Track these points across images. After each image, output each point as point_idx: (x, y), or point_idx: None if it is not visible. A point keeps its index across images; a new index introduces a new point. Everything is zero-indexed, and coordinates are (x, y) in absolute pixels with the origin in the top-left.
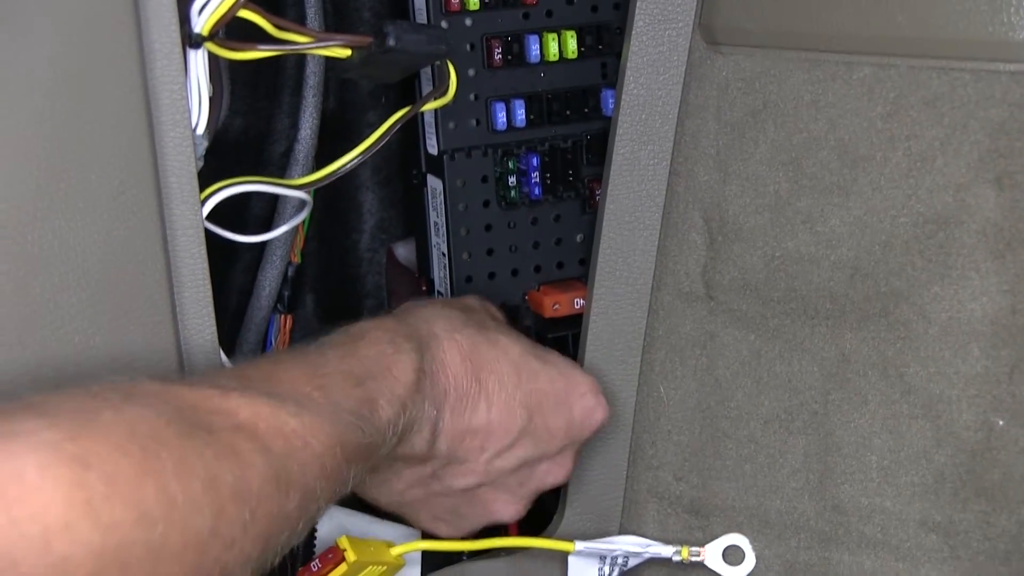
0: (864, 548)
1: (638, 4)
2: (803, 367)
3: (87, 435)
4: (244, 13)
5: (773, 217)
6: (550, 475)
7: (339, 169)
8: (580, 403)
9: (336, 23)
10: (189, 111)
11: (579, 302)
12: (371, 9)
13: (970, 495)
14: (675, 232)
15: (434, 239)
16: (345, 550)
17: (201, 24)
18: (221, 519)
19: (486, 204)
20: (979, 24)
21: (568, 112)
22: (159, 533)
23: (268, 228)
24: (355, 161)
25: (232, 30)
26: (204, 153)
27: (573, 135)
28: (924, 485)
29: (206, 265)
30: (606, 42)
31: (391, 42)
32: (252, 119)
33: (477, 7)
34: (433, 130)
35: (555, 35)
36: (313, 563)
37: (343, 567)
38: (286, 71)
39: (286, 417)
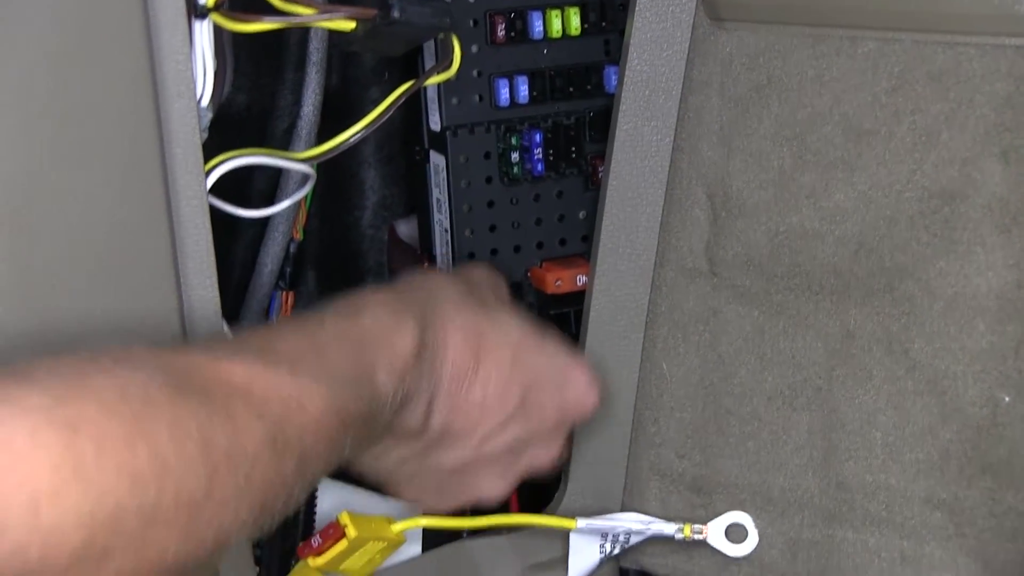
0: (868, 526)
1: None
2: (807, 343)
3: (77, 399)
4: None
5: (777, 192)
6: (538, 457)
7: (343, 143)
8: (573, 387)
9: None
10: (194, 82)
11: (581, 279)
12: None
13: (976, 472)
14: (678, 208)
15: (436, 216)
16: (346, 526)
17: None
18: (215, 481)
19: (489, 180)
20: None
21: (571, 89)
22: (151, 496)
23: (271, 204)
24: (359, 135)
25: (237, 2)
26: (208, 126)
27: (576, 112)
28: (929, 462)
29: (210, 236)
30: (609, 19)
31: (396, 14)
32: (255, 95)
33: None
34: (436, 106)
35: (558, 12)
36: (314, 538)
37: (344, 543)
38: (289, 47)
39: (282, 381)
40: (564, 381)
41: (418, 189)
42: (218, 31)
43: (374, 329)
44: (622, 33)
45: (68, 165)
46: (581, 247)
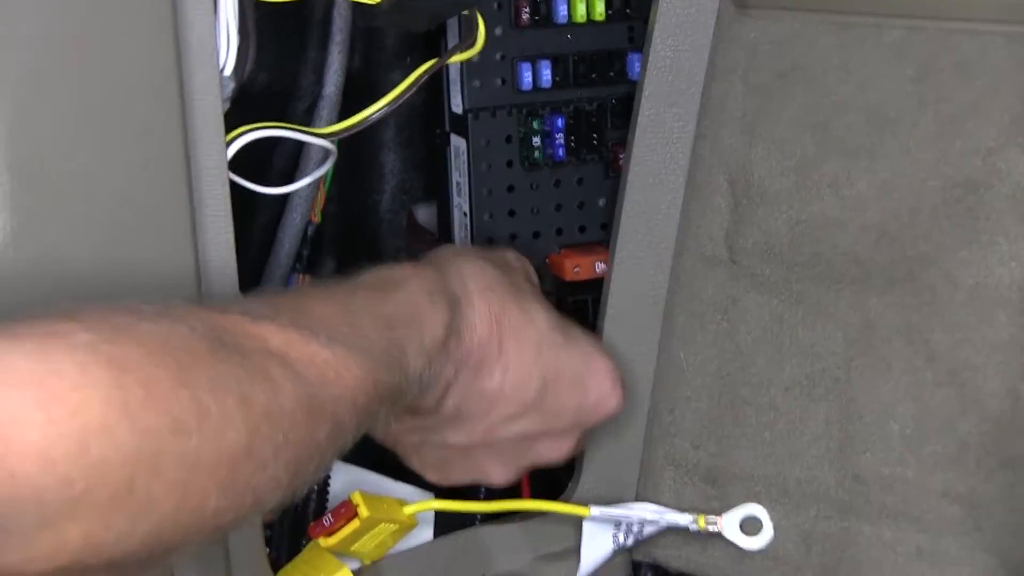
0: (884, 519)
1: None
2: (826, 333)
3: (124, 341)
4: None
5: (799, 180)
6: (549, 452)
7: (365, 120)
8: (596, 388)
9: None
10: (217, 50)
11: (600, 266)
12: None
13: (994, 465)
14: (699, 196)
15: (456, 199)
16: (358, 505)
17: None
18: (255, 438)
19: (509, 164)
20: None
21: (594, 75)
22: (193, 444)
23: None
24: (381, 112)
25: None
26: (231, 96)
27: (598, 98)
28: (947, 455)
29: (229, 207)
30: (634, 5)
31: None
32: (277, 74)
33: None
34: (458, 88)
35: None
36: (326, 517)
37: (355, 523)
38: (312, 26)
39: (318, 347)
40: (587, 380)
41: (438, 172)
42: (244, 5)
43: (407, 308)
44: (646, 20)
45: (90, 130)
46: (600, 235)
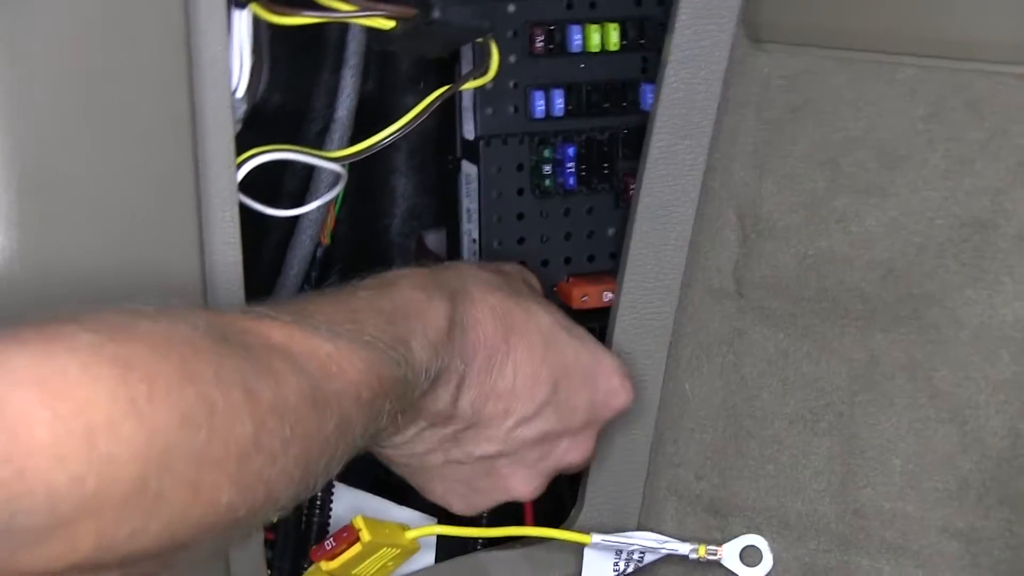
0: (884, 553)
1: None
2: (831, 367)
3: (126, 340)
4: None
5: (808, 216)
6: (569, 453)
7: (376, 144)
8: (605, 382)
9: None
10: (230, 72)
11: (608, 295)
12: None
13: (994, 503)
14: (708, 228)
15: (466, 225)
16: (360, 530)
17: None
18: (262, 430)
19: (520, 192)
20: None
21: (607, 104)
22: (202, 438)
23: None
24: (393, 137)
25: None
26: (243, 117)
27: (610, 128)
28: (948, 491)
29: (238, 228)
30: (648, 36)
31: (436, 14)
32: (290, 96)
33: None
34: (471, 115)
35: (598, 26)
36: (327, 541)
37: (357, 547)
38: (326, 49)
39: (320, 341)
40: (596, 375)
41: (448, 198)
42: (258, 26)
43: (407, 302)
44: (660, 51)
45: (100, 149)
46: (609, 264)
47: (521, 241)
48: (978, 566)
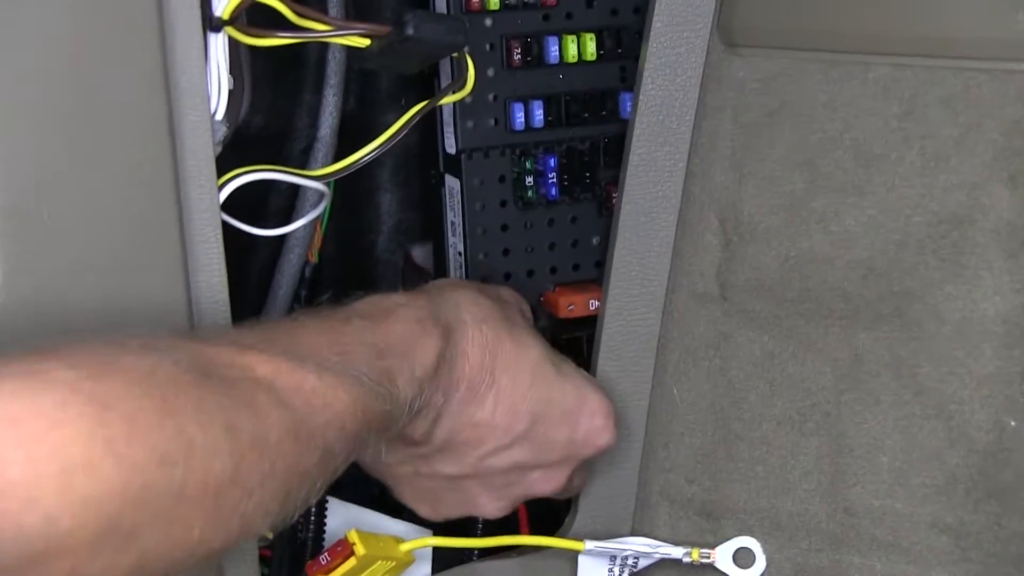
0: (875, 550)
1: (657, 6)
2: (816, 368)
3: (106, 375)
4: None
5: (788, 217)
6: (540, 484)
7: (358, 161)
8: (588, 421)
9: (357, 17)
10: (208, 95)
11: (594, 303)
12: (393, 7)
13: (981, 496)
14: (690, 233)
15: (451, 239)
16: (354, 544)
17: (222, 8)
18: (240, 467)
19: (503, 204)
20: (995, 23)
21: (586, 114)
22: (179, 476)
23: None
24: (374, 153)
25: (253, 17)
26: (223, 140)
27: (591, 137)
28: (936, 487)
29: (221, 250)
30: (625, 45)
31: (410, 31)
32: (272, 116)
33: (497, 7)
34: (451, 129)
35: (574, 37)
36: (322, 556)
37: (352, 561)
38: (307, 69)
39: (305, 374)
40: (579, 414)
41: (433, 213)
42: (237, 49)
43: (400, 337)
44: (637, 59)
45: (81, 174)
46: (594, 273)
47: (506, 252)
48: (968, 560)
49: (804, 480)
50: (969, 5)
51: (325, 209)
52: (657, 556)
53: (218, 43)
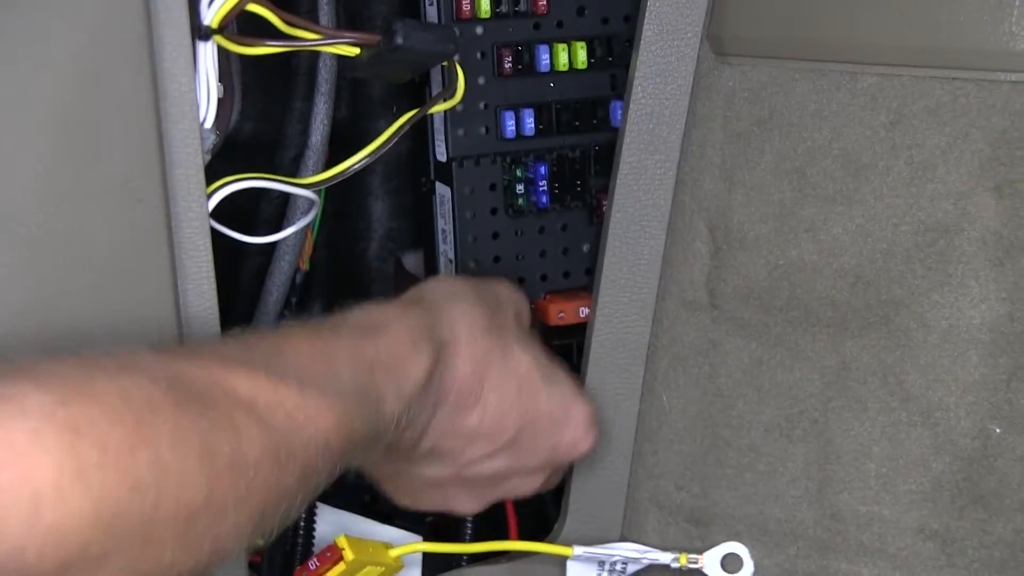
0: (862, 556)
1: (647, 15)
2: (804, 375)
3: (80, 401)
4: (254, 7)
5: (777, 226)
6: (519, 488)
7: (348, 169)
8: (571, 431)
9: (347, 26)
10: (197, 104)
11: (584, 311)
12: (383, 16)
13: (967, 503)
14: (680, 241)
15: (441, 246)
16: (343, 549)
17: (211, 16)
18: (215, 489)
19: (494, 212)
20: (981, 34)
21: (577, 122)
22: (150, 502)
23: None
24: (364, 161)
25: (243, 26)
26: (212, 148)
27: (581, 145)
28: (922, 493)
29: (211, 258)
30: (616, 53)
31: (399, 40)
32: (263, 124)
33: (488, 16)
34: (442, 137)
35: (565, 46)
36: (311, 561)
37: (341, 566)
38: (298, 77)
39: (288, 394)
40: (563, 422)
41: (424, 220)
42: (227, 58)
43: (391, 353)
44: (627, 68)
45: (70, 183)
46: (585, 280)
47: (497, 260)
48: (954, 566)
49: (792, 486)
50: (956, 16)
51: (316, 216)
52: (646, 562)
53: (207, 52)
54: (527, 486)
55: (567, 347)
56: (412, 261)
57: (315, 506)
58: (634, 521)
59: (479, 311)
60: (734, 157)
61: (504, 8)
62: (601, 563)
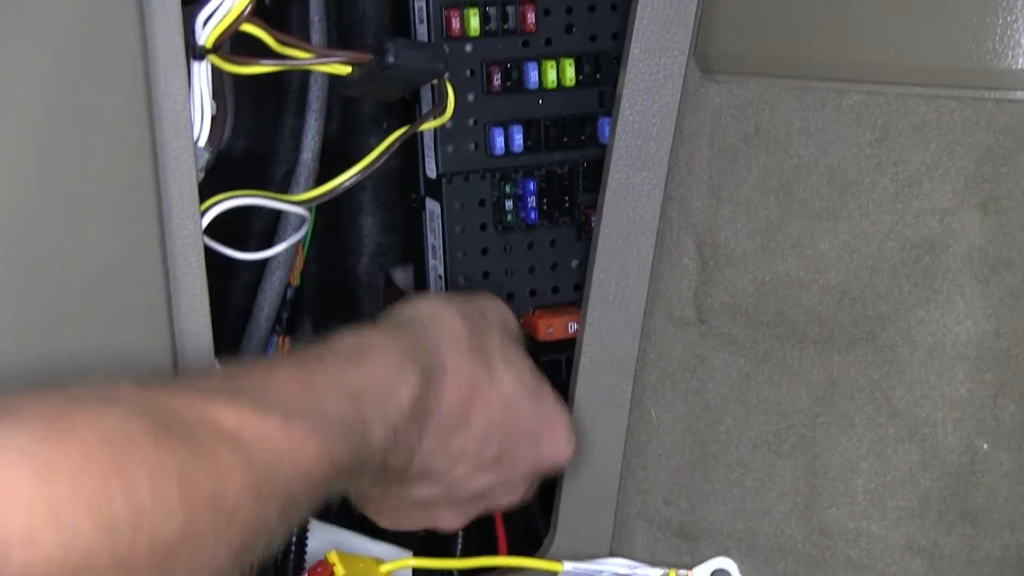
0: (850, 572)
1: (635, 33)
2: (791, 390)
3: (57, 439)
4: (248, 27)
5: (764, 242)
6: (501, 500)
7: (339, 186)
8: (550, 442)
9: (339, 45)
10: (192, 122)
11: (573, 326)
12: (375, 35)
13: (955, 519)
14: (668, 257)
15: (431, 262)
16: (334, 564)
17: (205, 36)
18: (194, 524)
19: (483, 228)
20: (966, 52)
21: (565, 139)
22: (125, 542)
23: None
24: (355, 178)
25: (236, 45)
26: (206, 166)
27: (570, 161)
28: (910, 509)
29: (204, 276)
30: (604, 71)
31: (390, 59)
32: (255, 140)
33: (477, 33)
34: (432, 153)
35: (554, 63)
36: None
37: None
38: (290, 94)
39: (272, 426)
40: (544, 435)
41: (414, 236)
42: (220, 75)
43: (377, 381)
44: (615, 85)
45: (64, 201)
46: (573, 295)
47: (486, 275)
48: None
49: (780, 502)
50: (940, 34)
51: (307, 232)
52: None
53: (201, 71)
54: (511, 497)
55: (556, 362)
56: (402, 276)
57: (307, 521)
58: (623, 536)
59: (464, 332)
60: (721, 173)
61: (493, 26)
62: None
